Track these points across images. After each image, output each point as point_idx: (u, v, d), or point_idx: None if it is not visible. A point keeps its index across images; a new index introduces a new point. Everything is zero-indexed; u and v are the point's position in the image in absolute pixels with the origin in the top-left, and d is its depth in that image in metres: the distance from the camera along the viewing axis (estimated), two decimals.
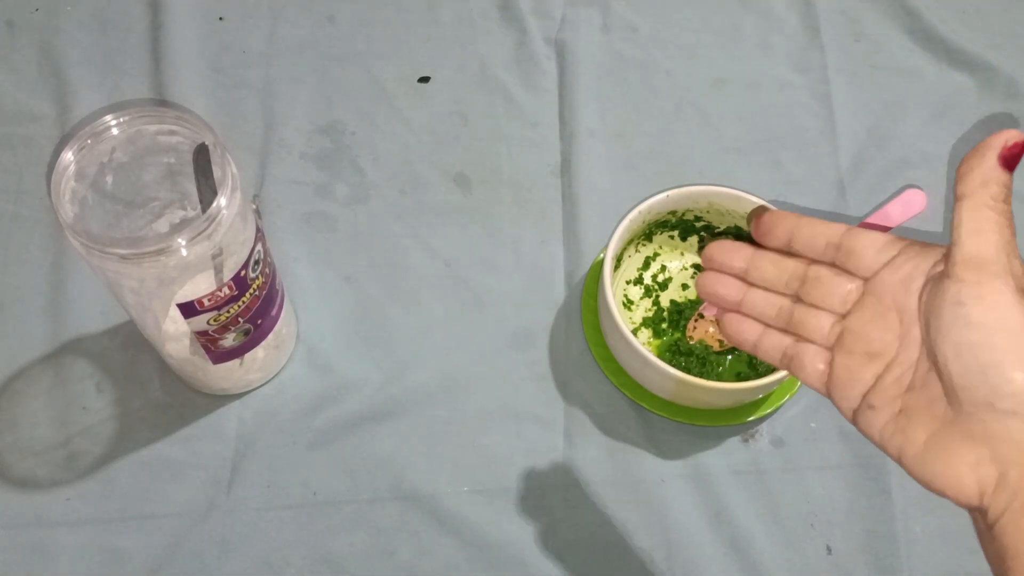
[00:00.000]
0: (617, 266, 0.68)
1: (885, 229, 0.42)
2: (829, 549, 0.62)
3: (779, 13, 0.82)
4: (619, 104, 0.77)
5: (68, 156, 0.50)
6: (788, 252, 0.43)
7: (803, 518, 0.63)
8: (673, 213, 0.67)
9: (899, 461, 0.38)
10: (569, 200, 0.73)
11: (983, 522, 0.35)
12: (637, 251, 0.70)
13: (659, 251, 0.70)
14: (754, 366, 0.66)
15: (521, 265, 0.71)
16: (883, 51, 0.80)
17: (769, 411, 0.64)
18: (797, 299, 0.43)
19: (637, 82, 0.78)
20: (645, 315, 0.69)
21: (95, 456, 0.63)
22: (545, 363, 0.68)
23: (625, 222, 0.63)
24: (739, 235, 0.68)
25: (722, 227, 0.68)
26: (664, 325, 0.68)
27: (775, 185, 0.74)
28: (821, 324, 0.41)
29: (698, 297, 0.69)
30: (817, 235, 0.41)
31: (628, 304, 0.69)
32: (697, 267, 0.70)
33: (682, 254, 0.71)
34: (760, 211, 0.43)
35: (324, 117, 0.76)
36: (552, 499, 0.63)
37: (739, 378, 0.66)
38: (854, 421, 0.40)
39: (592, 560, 0.62)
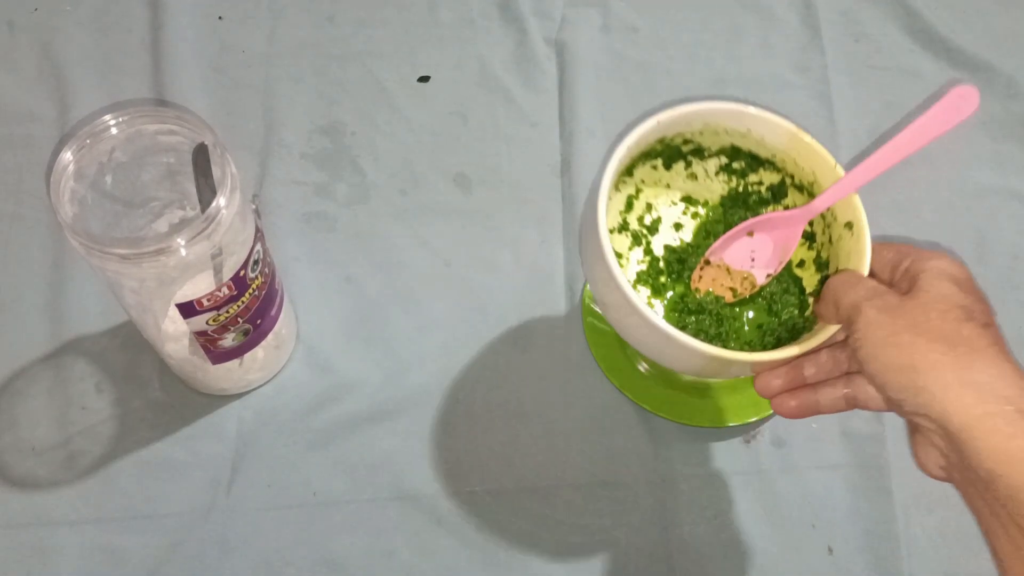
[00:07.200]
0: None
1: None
2: (830, 549, 0.62)
3: (779, 13, 0.82)
4: (619, 104, 0.77)
5: (68, 156, 0.50)
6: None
7: (804, 518, 0.63)
8: (661, 140, 0.56)
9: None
10: (569, 200, 0.73)
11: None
12: (617, 190, 0.57)
13: (641, 187, 0.59)
14: (775, 312, 0.57)
15: (521, 265, 0.71)
16: (883, 51, 0.80)
17: (770, 411, 0.64)
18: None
19: (637, 82, 0.78)
20: (638, 269, 0.58)
21: (95, 456, 0.63)
22: (545, 363, 0.68)
23: (609, 174, 0.51)
24: (735, 155, 0.58)
25: (715, 148, 0.57)
26: (663, 279, 0.58)
27: None
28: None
29: (696, 238, 0.61)
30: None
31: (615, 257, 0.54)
32: (687, 200, 0.61)
33: (668, 186, 0.59)
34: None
35: (324, 117, 0.76)
36: (553, 499, 0.63)
37: (760, 330, 0.57)
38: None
39: (592, 560, 0.62)
